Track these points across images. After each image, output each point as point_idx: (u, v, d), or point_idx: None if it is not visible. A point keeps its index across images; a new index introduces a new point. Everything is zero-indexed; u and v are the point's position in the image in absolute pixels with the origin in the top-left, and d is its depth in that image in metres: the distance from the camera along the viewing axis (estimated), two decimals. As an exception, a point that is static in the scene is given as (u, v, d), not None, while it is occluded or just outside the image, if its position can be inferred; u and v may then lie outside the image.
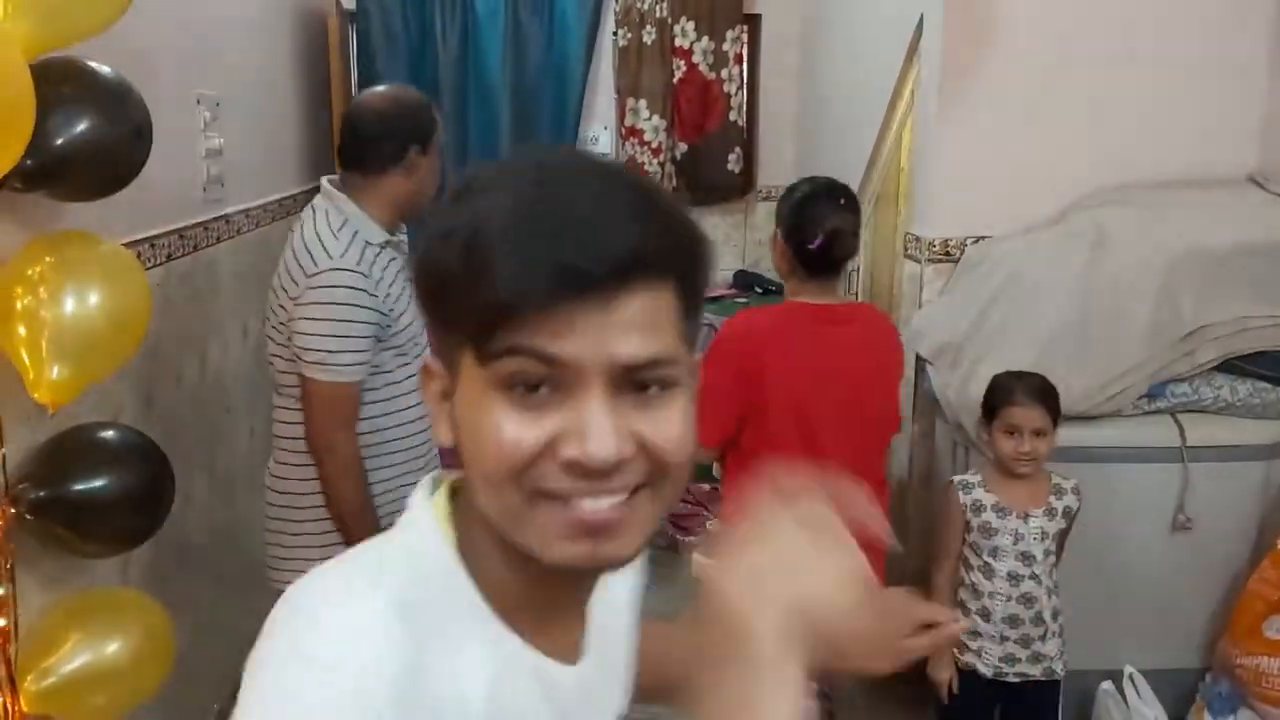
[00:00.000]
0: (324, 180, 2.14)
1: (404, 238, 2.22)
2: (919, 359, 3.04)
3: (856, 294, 3.80)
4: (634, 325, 0.67)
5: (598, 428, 0.67)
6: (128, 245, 2.32)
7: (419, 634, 0.68)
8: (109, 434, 1.92)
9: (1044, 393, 2.36)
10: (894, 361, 2.43)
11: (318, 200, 2.09)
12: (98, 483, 1.83)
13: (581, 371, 0.67)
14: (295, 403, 2.08)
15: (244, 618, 2.60)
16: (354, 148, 2.09)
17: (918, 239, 3.10)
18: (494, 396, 0.68)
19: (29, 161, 1.68)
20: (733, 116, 4.74)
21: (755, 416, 2.18)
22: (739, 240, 4.95)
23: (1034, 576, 2.35)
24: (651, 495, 0.71)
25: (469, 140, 4.51)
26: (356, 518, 2.05)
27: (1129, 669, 2.60)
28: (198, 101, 2.80)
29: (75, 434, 1.88)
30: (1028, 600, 2.35)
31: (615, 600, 0.86)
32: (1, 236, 1.78)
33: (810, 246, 2.24)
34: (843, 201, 2.33)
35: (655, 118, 4.69)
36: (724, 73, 4.69)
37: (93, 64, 1.82)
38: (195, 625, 2.74)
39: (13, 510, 1.74)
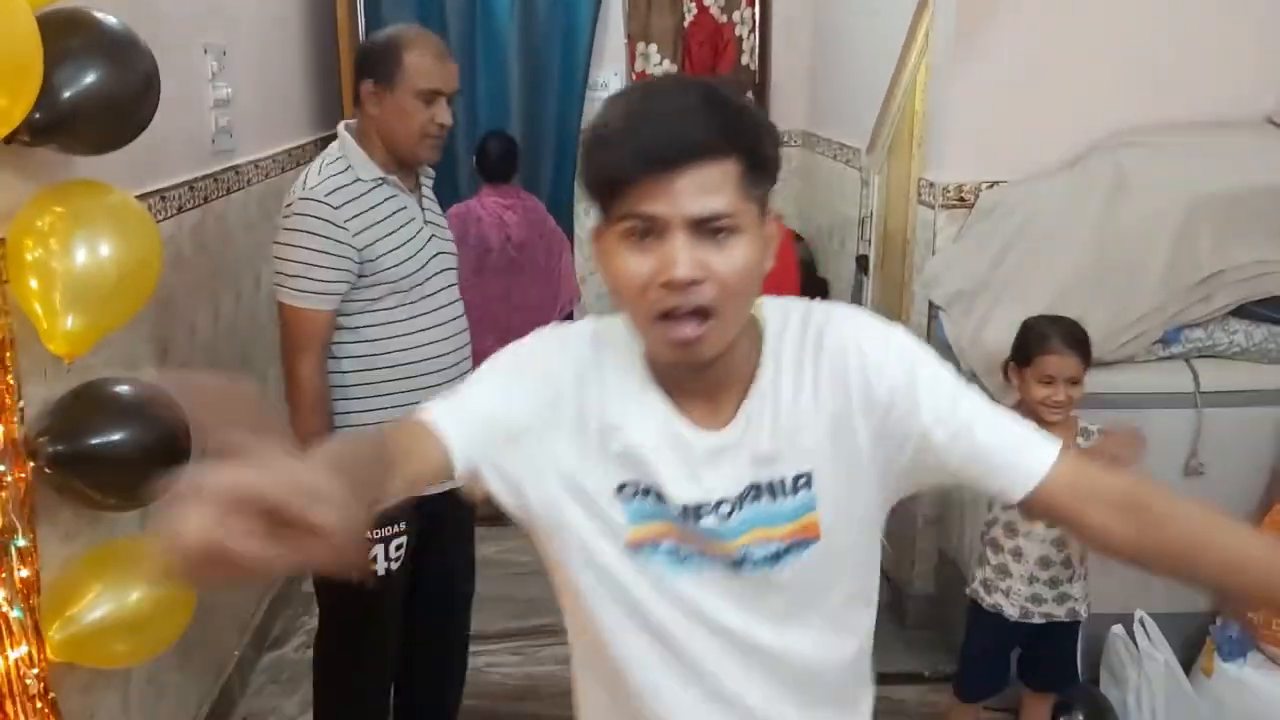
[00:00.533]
0: (341, 123, 2.19)
1: (426, 179, 2.26)
2: (931, 306, 3.03)
3: (870, 241, 3.78)
4: (700, 189, 0.97)
5: (679, 258, 0.98)
6: (138, 198, 2.32)
7: (600, 353, 1.11)
8: (126, 388, 1.93)
9: (1079, 340, 2.34)
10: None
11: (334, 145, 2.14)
12: (115, 436, 1.85)
13: (667, 223, 0.98)
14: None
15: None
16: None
17: (931, 184, 3.07)
18: (618, 245, 1.01)
19: (37, 114, 1.67)
20: (744, 60, 4.68)
21: None
22: (751, 186, 4.91)
23: None
24: (719, 320, 1.01)
25: (477, 84, 4.47)
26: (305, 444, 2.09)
27: (1139, 613, 2.62)
28: (205, 51, 2.78)
29: (92, 388, 1.89)
30: (1060, 543, 2.36)
31: (793, 395, 1.09)
32: (11, 189, 1.78)
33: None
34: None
35: (665, 62, 4.63)
36: (735, 15, 4.62)
37: (99, 15, 1.81)
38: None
39: (32, 464, 1.76)
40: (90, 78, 1.72)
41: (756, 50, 4.72)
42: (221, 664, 2.81)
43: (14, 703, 1.71)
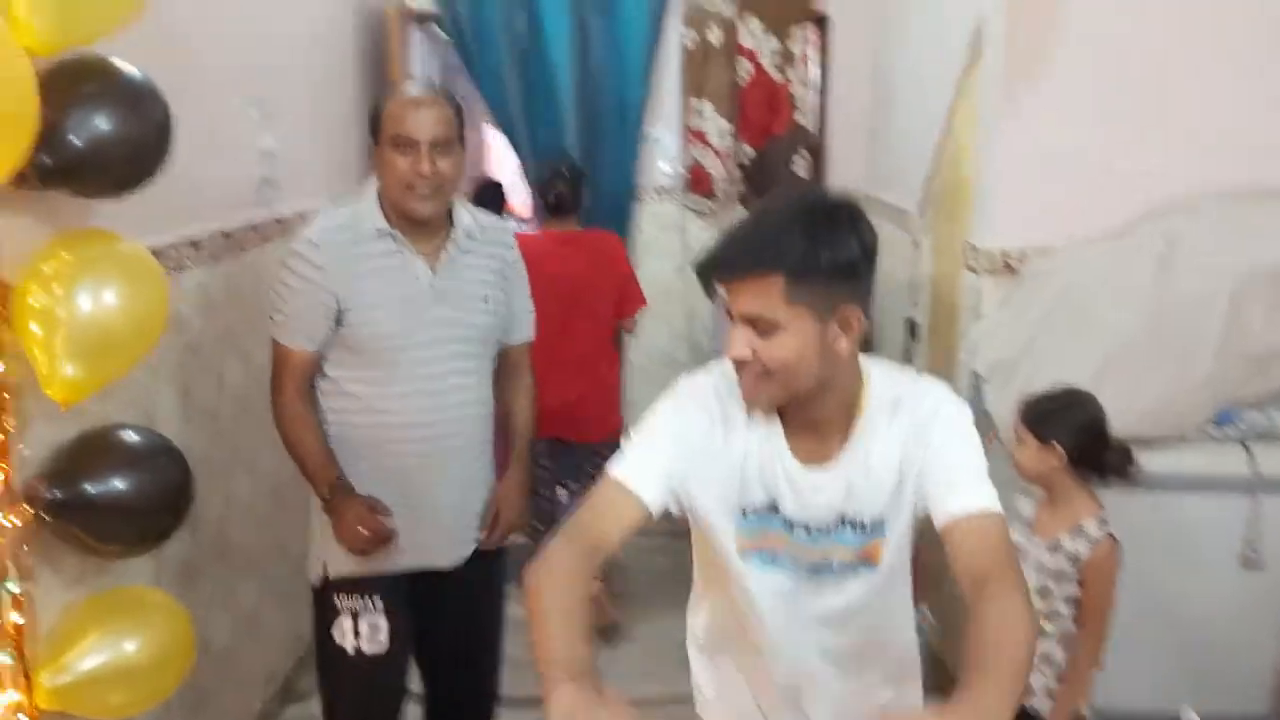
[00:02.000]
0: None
1: (476, 242, 2.15)
2: (975, 375, 2.93)
3: (920, 305, 3.68)
4: (746, 294, 1.34)
5: (734, 341, 1.36)
6: (170, 246, 2.36)
7: (725, 398, 1.48)
8: (130, 435, 1.93)
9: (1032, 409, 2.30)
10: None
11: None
12: (115, 484, 1.84)
13: (734, 315, 1.36)
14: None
15: (287, 618, 2.57)
16: None
17: (976, 249, 2.98)
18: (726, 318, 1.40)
19: (47, 159, 1.69)
20: (800, 119, 4.65)
21: None
22: (805, 246, 4.84)
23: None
24: (771, 383, 1.38)
25: (537, 138, 4.47)
26: (300, 458, 2.10)
27: (1188, 713, 2.46)
28: (248, 102, 2.83)
29: (96, 435, 1.90)
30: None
31: (881, 454, 1.45)
32: (28, 233, 1.80)
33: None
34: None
35: (720, 120, 4.62)
36: (792, 74, 4.60)
37: (117, 63, 1.83)
38: (235, 624, 2.77)
39: (30, 509, 1.76)
40: (101, 124, 1.74)
41: (816, 110, 4.68)
42: (240, 716, 2.79)
43: (-4, 752, 1.70)
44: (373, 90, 4.01)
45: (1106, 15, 2.78)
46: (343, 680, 2.14)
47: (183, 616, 2.03)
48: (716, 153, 4.65)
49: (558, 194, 3.59)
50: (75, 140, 1.71)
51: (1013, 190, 2.89)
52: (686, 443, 1.45)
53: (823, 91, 4.70)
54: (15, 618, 1.72)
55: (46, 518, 1.78)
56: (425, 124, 1.99)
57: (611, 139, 4.50)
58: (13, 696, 1.72)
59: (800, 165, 4.68)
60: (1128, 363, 2.54)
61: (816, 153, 4.74)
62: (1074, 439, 2.22)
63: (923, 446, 1.41)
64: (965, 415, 1.47)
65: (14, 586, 1.72)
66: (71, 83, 1.75)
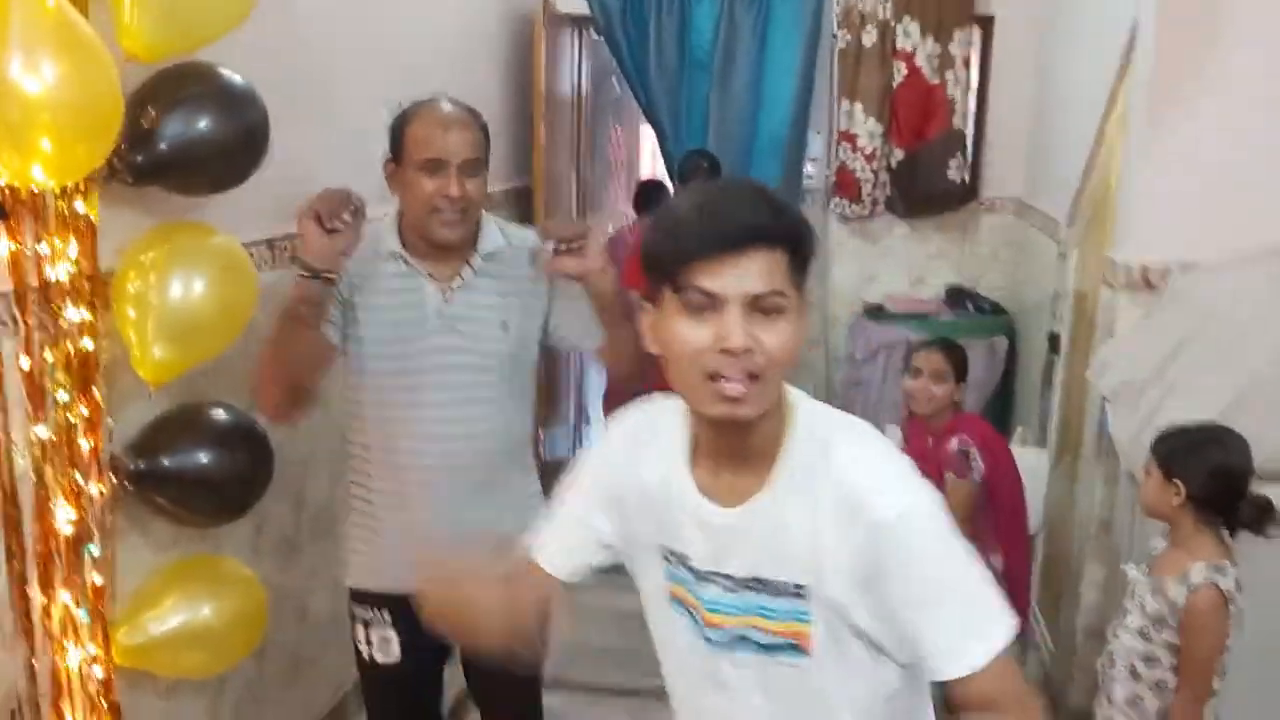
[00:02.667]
0: None
1: (484, 260, 2.01)
2: (1103, 398, 2.74)
3: (1063, 319, 3.47)
4: (755, 272, 1.12)
5: (735, 330, 1.12)
6: (285, 238, 2.49)
7: (642, 437, 1.32)
8: (214, 414, 2.05)
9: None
10: None
11: None
12: (195, 458, 1.97)
13: (726, 299, 1.12)
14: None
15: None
16: None
17: (1115, 264, 2.78)
18: (681, 316, 1.14)
19: (139, 158, 1.82)
20: (956, 123, 4.46)
21: None
22: (955, 253, 4.65)
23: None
24: (760, 386, 1.14)
25: (687, 137, 4.48)
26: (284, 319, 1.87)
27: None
28: (383, 107, 2.93)
29: (182, 412, 2.02)
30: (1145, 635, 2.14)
31: (800, 512, 1.19)
32: (131, 226, 1.94)
33: None
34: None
35: (871, 121, 4.48)
36: (949, 76, 4.42)
37: (221, 70, 1.95)
38: (335, 596, 2.88)
39: (114, 479, 1.89)
40: (194, 126, 1.86)
41: (971, 114, 4.49)
42: (338, 685, 2.90)
43: (72, 701, 1.84)
44: (516, 94, 4.11)
45: (1264, 22, 2.55)
46: (366, 686, 2.15)
47: (257, 587, 2.14)
48: (865, 156, 4.52)
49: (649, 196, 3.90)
50: (167, 140, 1.83)
51: (1157, 202, 2.69)
52: (597, 499, 1.36)
53: (982, 95, 4.50)
54: (96, 578, 1.86)
55: (129, 487, 1.92)
56: (455, 146, 1.90)
57: (768, 140, 4.46)
58: (91, 651, 1.85)
59: (955, 170, 4.50)
60: (1268, 393, 2.32)
61: (974, 157, 4.55)
62: (1201, 481, 2.05)
63: (878, 564, 1.15)
64: (938, 522, 1.17)
65: (95, 549, 1.85)
66: (174, 87, 1.88)
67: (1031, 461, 3.11)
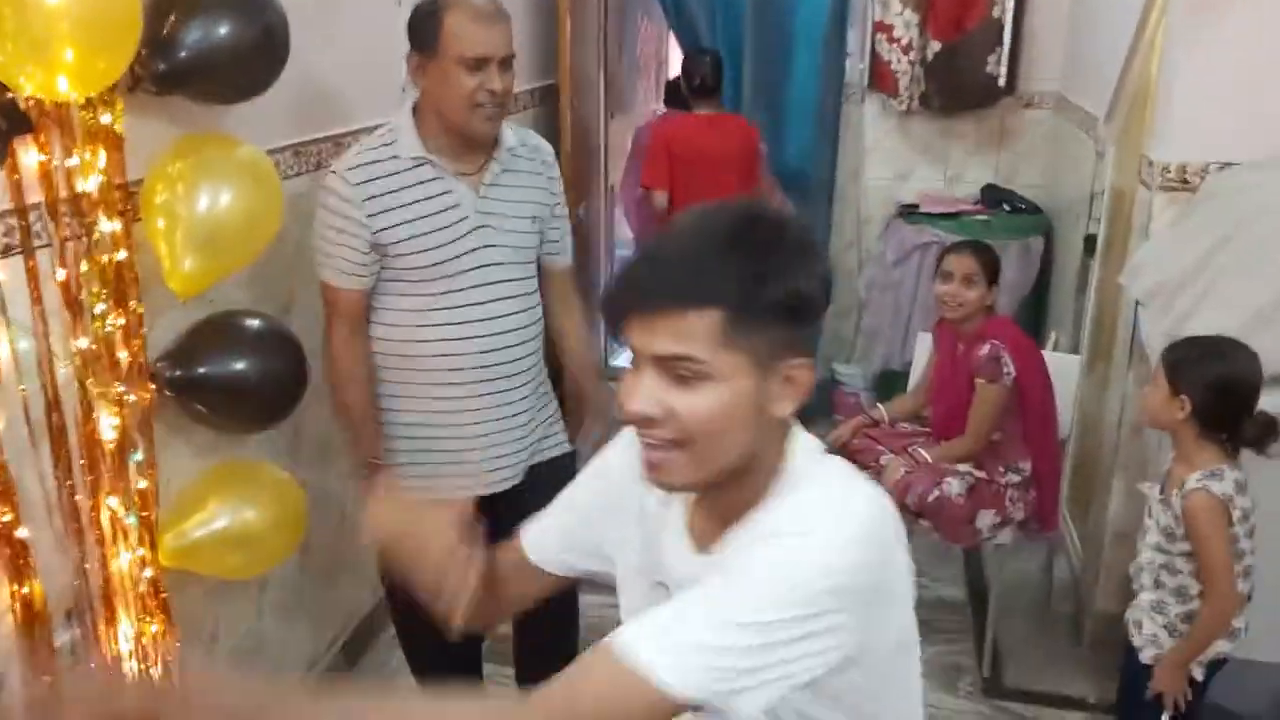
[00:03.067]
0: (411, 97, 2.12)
1: (509, 154, 2.09)
2: (1136, 302, 2.71)
3: (1100, 221, 3.41)
4: (666, 332, 1.01)
5: (636, 393, 1.04)
6: (309, 143, 2.48)
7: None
8: (249, 321, 2.08)
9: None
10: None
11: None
12: (231, 365, 2.00)
13: (639, 356, 1.04)
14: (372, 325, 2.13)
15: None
16: None
17: (1151, 163, 2.72)
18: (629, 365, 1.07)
19: (162, 66, 1.81)
20: (996, 13, 4.32)
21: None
22: (992, 150, 4.56)
23: None
24: (687, 454, 1.04)
25: (717, 30, 4.38)
26: (346, 420, 2.09)
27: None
28: (399, 3, 2.89)
29: (217, 320, 2.05)
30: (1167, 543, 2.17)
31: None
32: (157, 135, 1.94)
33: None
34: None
35: (907, 12, 4.34)
36: (989, -36, 4.27)
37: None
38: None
39: (153, 387, 1.93)
40: (214, 33, 1.84)
41: (1010, 4, 4.34)
42: (376, 586, 2.98)
43: (125, 600, 1.91)
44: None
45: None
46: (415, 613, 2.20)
47: (296, 490, 2.19)
48: (901, 48, 4.40)
49: (702, 78, 4.03)
50: (187, 48, 1.82)
51: (1196, 100, 2.62)
52: (590, 506, 1.28)
53: (1023, -18, 4.35)
54: (141, 484, 1.91)
55: (169, 394, 1.96)
56: (498, 41, 1.93)
57: (803, 38, 4.35)
58: (139, 553, 1.92)
59: (994, 63, 4.38)
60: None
61: (1013, 50, 4.42)
62: (1205, 395, 2.04)
63: None
64: (791, 571, 0.98)
65: (139, 456, 1.90)
66: (190, -10, 1.86)
67: (1063, 366, 3.10)
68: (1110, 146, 3.37)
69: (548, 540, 1.32)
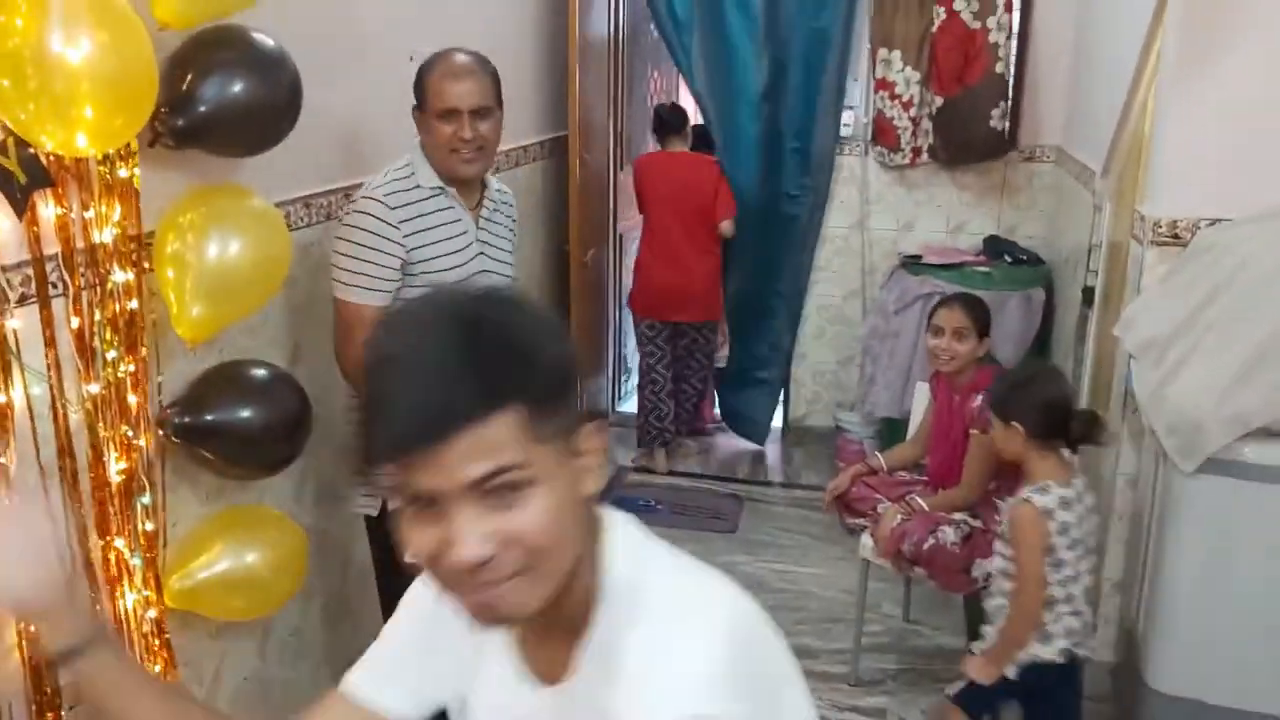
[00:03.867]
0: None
1: (497, 201, 2.41)
2: (1129, 354, 2.74)
3: (1096, 272, 3.46)
4: (468, 455, 0.85)
5: (462, 536, 0.87)
6: (331, 193, 2.56)
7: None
8: (256, 370, 2.14)
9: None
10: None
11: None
12: (238, 413, 2.06)
13: (442, 495, 0.86)
14: None
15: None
16: None
17: (1143, 218, 2.77)
18: (408, 520, 0.90)
19: (180, 121, 1.89)
20: (999, 69, 4.40)
21: None
22: (994, 202, 4.62)
23: None
24: (529, 578, 0.90)
25: (730, 91, 4.48)
26: None
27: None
28: (410, 58, 2.98)
29: (225, 368, 2.11)
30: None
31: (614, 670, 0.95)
32: (171, 186, 2.01)
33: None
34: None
35: (908, 69, 4.44)
36: (990, 21, 4.35)
37: (253, 32, 2.01)
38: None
39: (162, 432, 1.99)
40: (229, 90, 1.92)
41: (1013, 59, 4.42)
42: (378, 630, 3.02)
43: (129, 640, 1.95)
44: (551, 41, 4.12)
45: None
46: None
47: (299, 534, 2.24)
48: (902, 104, 4.48)
49: (662, 120, 4.45)
50: (204, 104, 1.90)
51: (1188, 154, 2.68)
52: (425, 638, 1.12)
53: (1023, 40, 4.43)
54: (147, 526, 1.96)
55: (177, 440, 2.01)
56: (466, 95, 2.20)
57: (803, 91, 4.46)
58: (144, 594, 1.97)
59: (997, 117, 4.45)
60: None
61: (1015, 103, 4.49)
62: (1033, 416, 2.35)
63: None
64: None
65: (146, 499, 1.95)
66: (207, 51, 1.94)
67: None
68: (1107, 200, 3.43)
69: (390, 689, 1.14)
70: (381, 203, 2.19)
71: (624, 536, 1.01)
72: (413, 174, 2.25)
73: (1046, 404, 2.35)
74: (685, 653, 0.91)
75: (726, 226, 4.37)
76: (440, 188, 2.25)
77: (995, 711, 2.45)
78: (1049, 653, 2.33)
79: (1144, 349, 2.61)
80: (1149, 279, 2.74)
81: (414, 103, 2.28)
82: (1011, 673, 2.35)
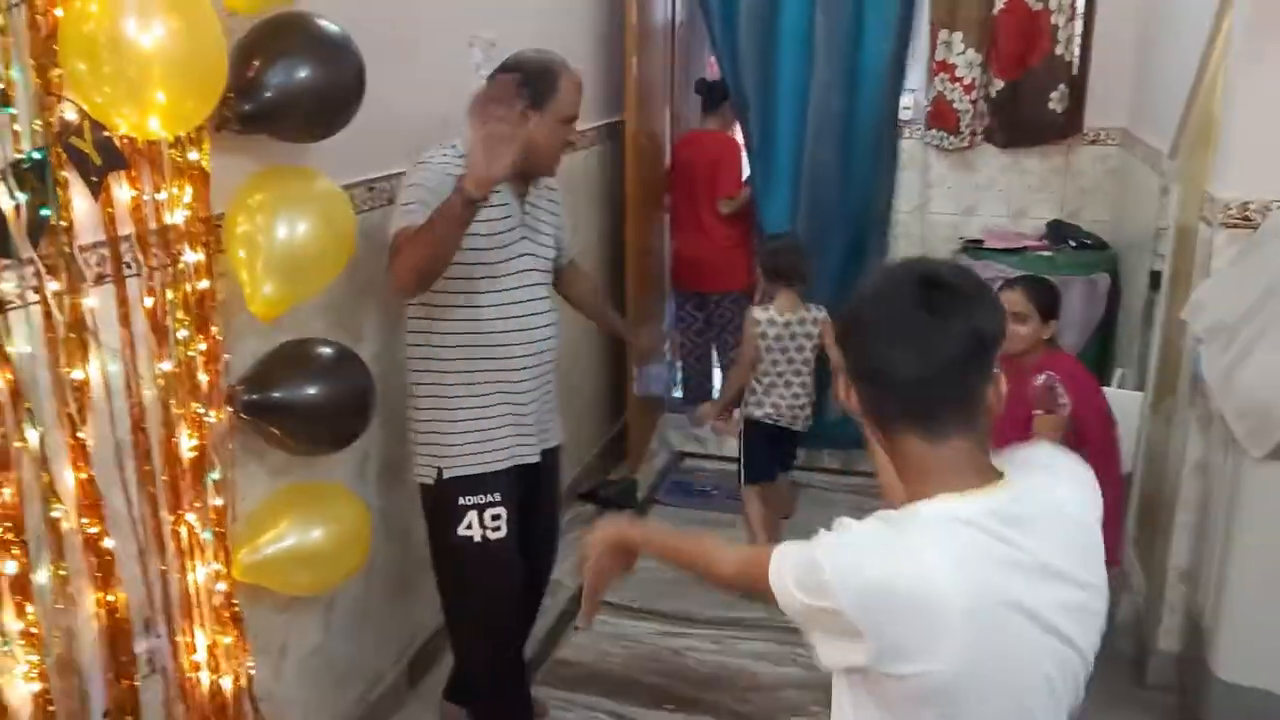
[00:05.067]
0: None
1: (546, 188, 2.47)
2: (1196, 339, 2.69)
3: (1163, 256, 3.39)
4: None
5: None
6: (391, 177, 2.60)
7: None
8: (322, 349, 2.18)
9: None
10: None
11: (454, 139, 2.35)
12: (304, 390, 2.10)
13: None
14: (415, 324, 2.35)
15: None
16: None
17: (1213, 199, 2.71)
18: None
19: (247, 107, 1.93)
20: (1059, 50, 4.33)
21: None
22: (1057, 186, 4.55)
23: None
24: None
25: (779, 76, 4.42)
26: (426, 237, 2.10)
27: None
28: (470, 43, 3.01)
29: (291, 347, 2.15)
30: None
31: None
32: (240, 170, 2.05)
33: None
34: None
35: (970, 51, 4.38)
36: (1053, 2, 4.28)
37: (318, 19, 2.04)
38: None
39: (229, 409, 2.04)
40: (295, 75, 1.95)
41: (1075, 40, 4.34)
42: (435, 603, 3.04)
43: (200, 612, 2.01)
44: (607, 27, 4.13)
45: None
46: (475, 569, 2.38)
47: (363, 510, 2.28)
48: (963, 86, 4.43)
49: (703, 97, 4.65)
50: (271, 90, 1.94)
51: (1258, 134, 2.62)
52: None
53: (1088, 20, 4.35)
54: (217, 501, 2.01)
55: (246, 417, 2.06)
56: (580, 104, 2.36)
57: (867, 73, 4.37)
58: (214, 567, 2.02)
59: (1057, 100, 4.38)
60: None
61: (1078, 85, 4.42)
62: (765, 263, 3.63)
63: None
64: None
65: (216, 474, 2.00)
66: (273, 38, 1.98)
67: (1127, 403, 3.08)
68: (1174, 182, 3.36)
69: None
70: (444, 163, 2.25)
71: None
72: (463, 156, 2.24)
73: (773, 253, 3.61)
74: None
75: (724, 204, 4.51)
76: None
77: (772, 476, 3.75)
78: (759, 414, 3.63)
79: (1213, 333, 2.56)
80: (1218, 261, 2.69)
81: (526, 101, 2.18)
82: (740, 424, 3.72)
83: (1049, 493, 1.25)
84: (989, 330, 1.22)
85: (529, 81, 2.23)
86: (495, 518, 2.34)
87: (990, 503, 1.19)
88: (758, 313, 3.54)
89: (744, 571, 1.35)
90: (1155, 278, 3.49)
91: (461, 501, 2.33)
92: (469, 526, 2.33)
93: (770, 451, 3.72)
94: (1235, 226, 2.65)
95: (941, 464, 1.22)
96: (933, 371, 1.20)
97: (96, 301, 1.77)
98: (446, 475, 2.34)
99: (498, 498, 2.35)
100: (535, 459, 2.47)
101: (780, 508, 3.90)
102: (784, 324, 3.52)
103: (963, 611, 1.12)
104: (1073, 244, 4.30)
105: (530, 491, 2.47)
